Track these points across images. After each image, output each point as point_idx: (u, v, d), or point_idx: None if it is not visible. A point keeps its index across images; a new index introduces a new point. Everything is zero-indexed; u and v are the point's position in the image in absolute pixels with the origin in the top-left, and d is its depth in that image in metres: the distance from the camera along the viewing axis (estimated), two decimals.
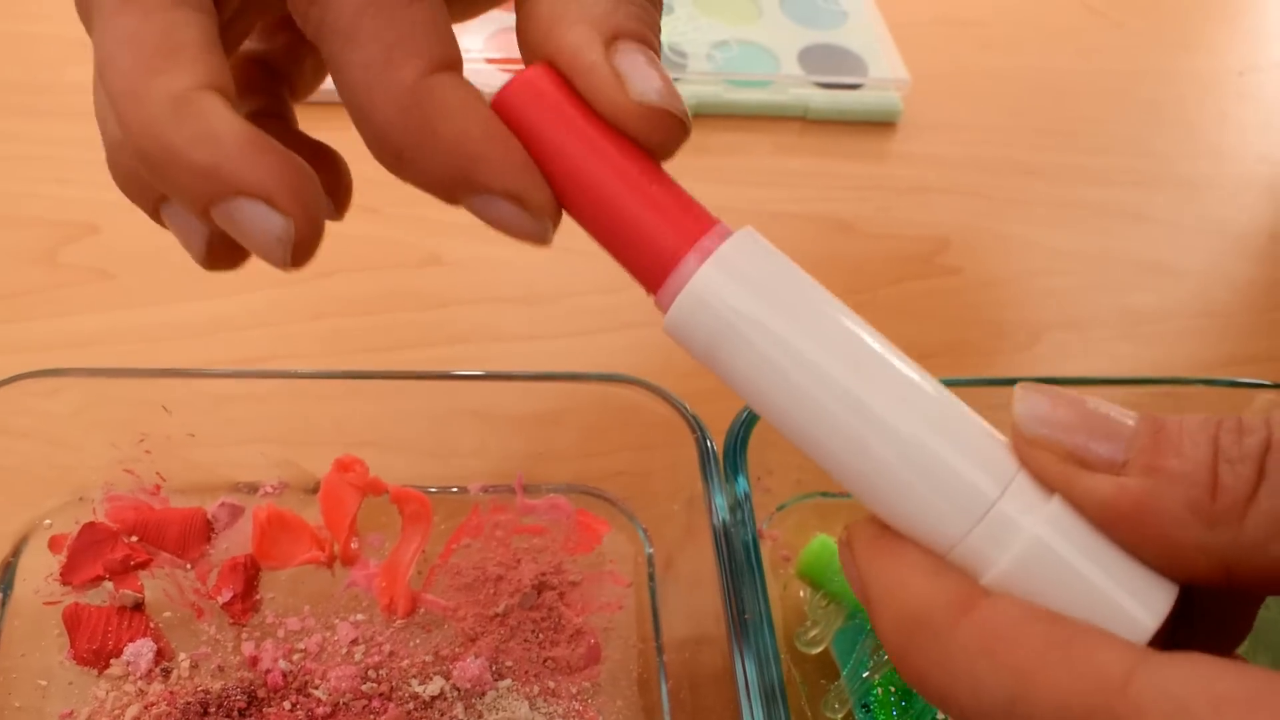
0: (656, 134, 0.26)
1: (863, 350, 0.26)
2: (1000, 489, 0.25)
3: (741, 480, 0.45)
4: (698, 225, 0.27)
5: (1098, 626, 0.23)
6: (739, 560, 0.43)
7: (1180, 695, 0.20)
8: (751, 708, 0.40)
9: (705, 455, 0.45)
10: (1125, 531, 0.23)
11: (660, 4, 0.28)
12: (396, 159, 0.26)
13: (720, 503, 0.44)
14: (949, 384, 0.51)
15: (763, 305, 0.26)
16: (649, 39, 0.26)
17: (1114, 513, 0.23)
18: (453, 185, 0.26)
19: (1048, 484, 0.25)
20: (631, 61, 0.26)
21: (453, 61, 0.26)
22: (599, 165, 0.27)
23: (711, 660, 0.45)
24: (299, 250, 0.25)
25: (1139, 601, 0.24)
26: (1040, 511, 0.25)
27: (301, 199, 0.25)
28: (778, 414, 0.27)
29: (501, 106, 0.27)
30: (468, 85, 0.26)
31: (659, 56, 0.27)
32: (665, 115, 0.26)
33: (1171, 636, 0.25)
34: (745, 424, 0.46)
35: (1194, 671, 0.21)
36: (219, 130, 0.24)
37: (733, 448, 0.45)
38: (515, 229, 0.26)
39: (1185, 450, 0.23)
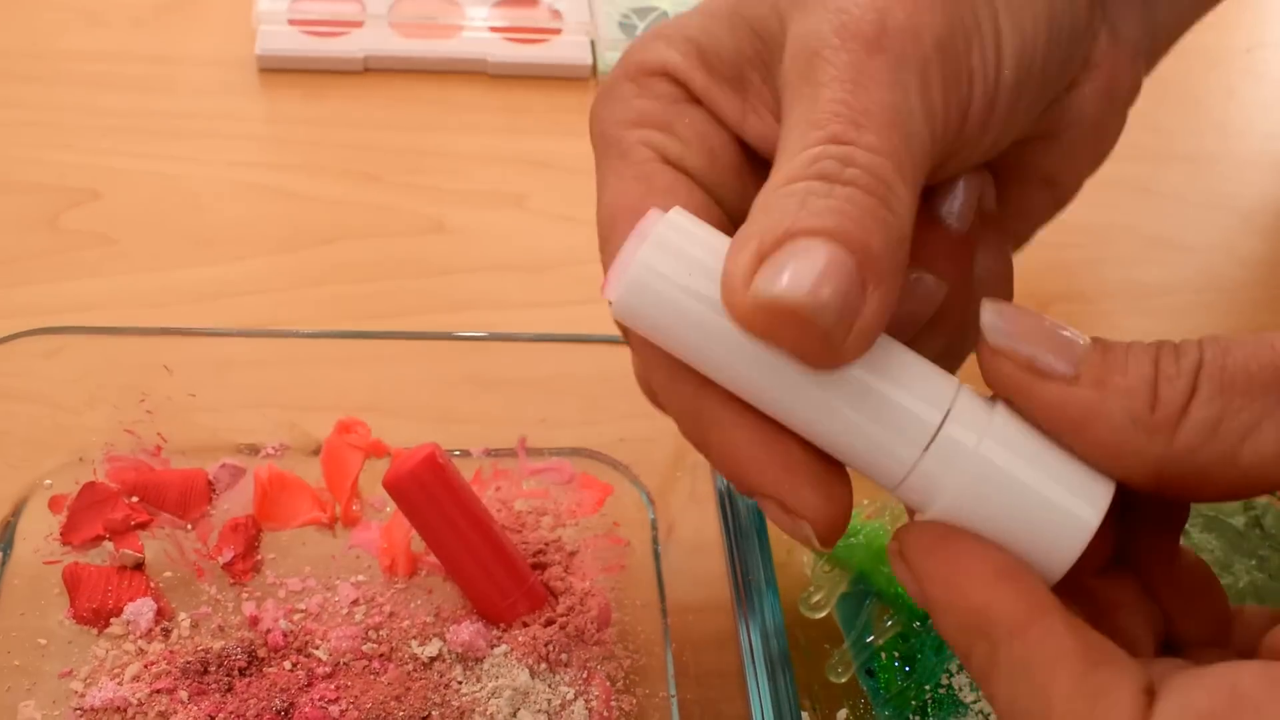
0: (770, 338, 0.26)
1: None
2: (942, 414, 0.27)
3: None
4: (525, 581, 0.42)
5: (1127, 671, 0.24)
6: (742, 524, 0.43)
7: None
8: (755, 672, 0.40)
9: None
10: (1071, 435, 0.26)
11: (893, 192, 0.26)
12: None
13: None
14: None
15: (697, 273, 0.27)
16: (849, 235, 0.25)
17: (1063, 416, 0.25)
18: (733, 480, 0.29)
19: (1006, 390, 0.26)
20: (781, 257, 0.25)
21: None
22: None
23: (716, 624, 0.45)
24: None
25: (1082, 499, 0.26)
26: (985, 428, 0.26)
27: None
28: (720, 372, 0.28)
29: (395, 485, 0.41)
30: (738, 403, 0.28)
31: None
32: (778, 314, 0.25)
33: (1115, 528, 0.28)
34: None
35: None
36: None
37: None
38: (781, 525, 0.29)
39: (1130, 368, 0.25)
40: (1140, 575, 0.30)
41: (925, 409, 0.27)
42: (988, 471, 0.26)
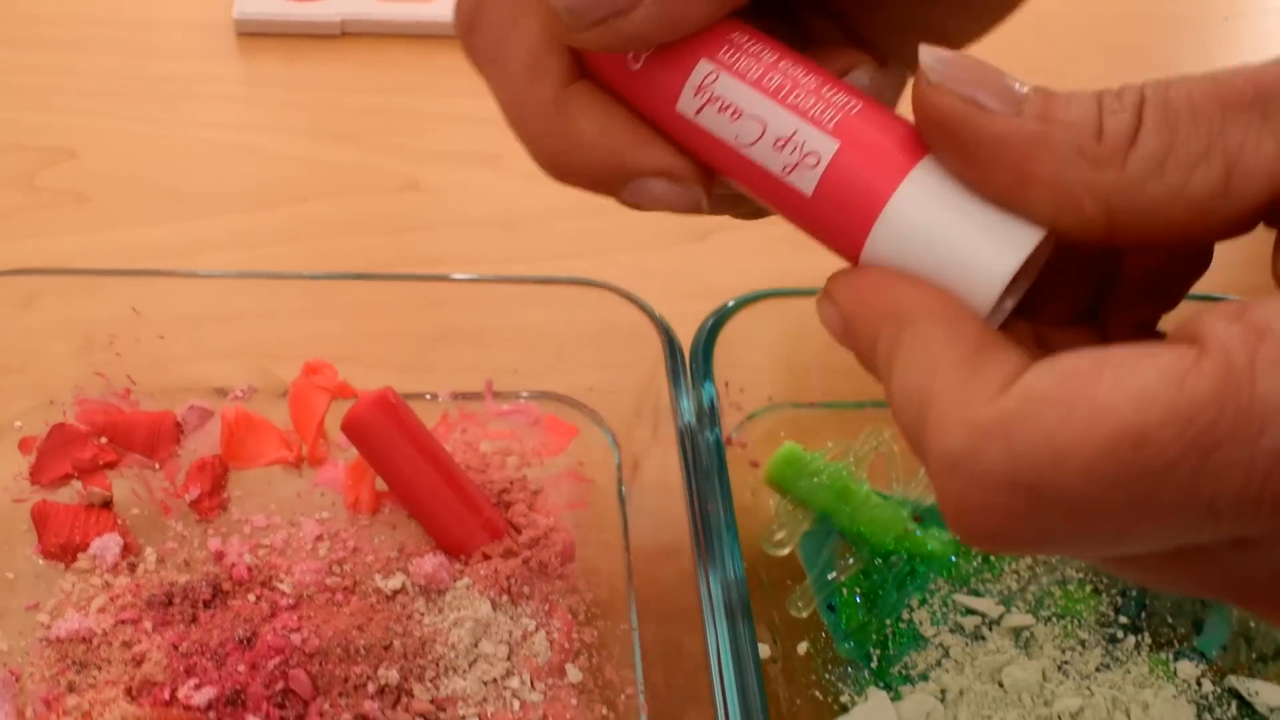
0: None
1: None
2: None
3: (709, 385, 0.45)
4: (482, 513, 0.43)
5: (1014, 351, 0.24)
6: (704, 464, 0.43)
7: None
8: (714, 611, 0.40)
9: (672, 358, 0.45)
10: (1016, 168, 0.25)
11: None
12: (554, 166, 0.29)
13: (686, 405, 0.44)
14: None
15: None
16: None
17: (1006, 150, 0.24)
18: (609, 178, 0.29)
19: (944, 124, 0.25)
20: None
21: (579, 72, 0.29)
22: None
23: (677, 565, 0.45)
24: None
25: (1008, 240, 0.25)
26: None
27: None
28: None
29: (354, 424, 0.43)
30: (598, 91, 0.29)
31: None
32: None
33: (1085, 286, 0.28)
34: (713, 328, 0.46)
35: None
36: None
37: (699, 350, 0.45)
38: (671, 203, 0.29)
39: (1073, 105, 0.24)
40: (1106, 337, 0.30)
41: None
42: (911, 207, 0.26)
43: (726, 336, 0.46)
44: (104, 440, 0.45)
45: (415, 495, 0.43)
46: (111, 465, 0.45)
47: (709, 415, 0.44)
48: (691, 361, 0.45)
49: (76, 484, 0.44)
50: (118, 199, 0.58)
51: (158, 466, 0.45)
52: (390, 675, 0.39)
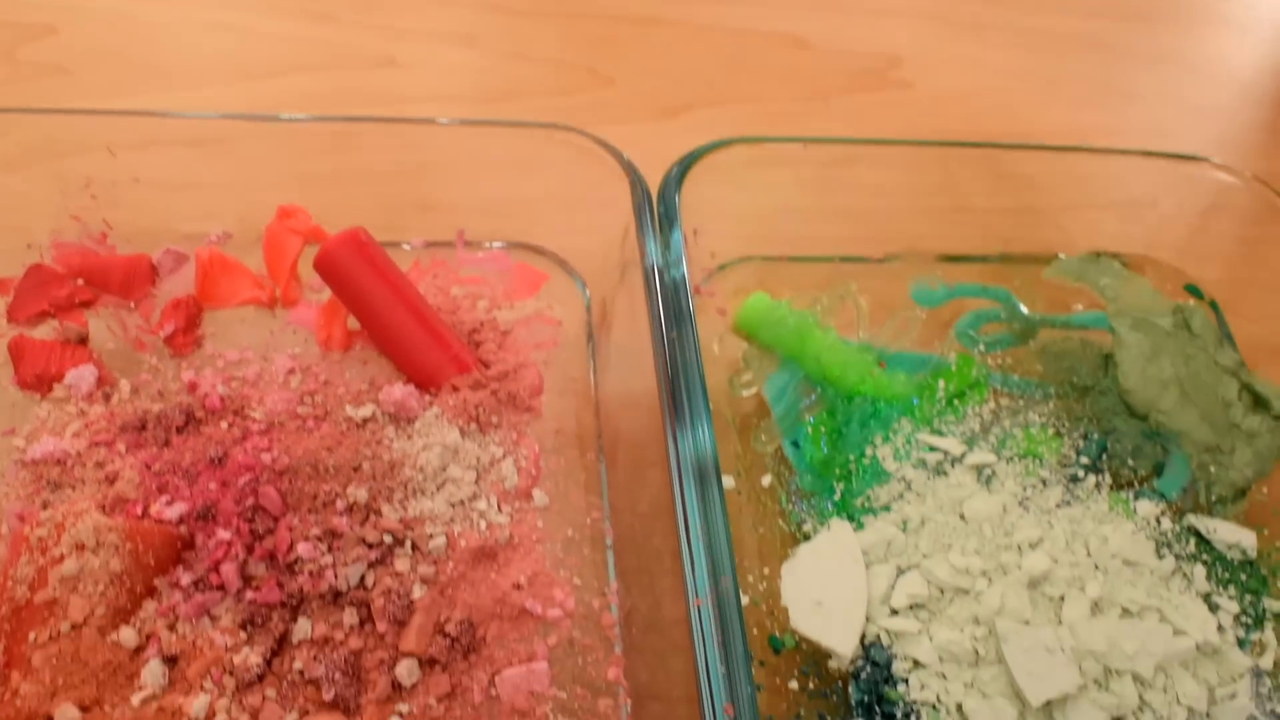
0: None
1: None
2: None
3: (676, 229, 0.45)
4: (450, 348, 0.44)
5: None
6: (670, 299, 0.44)
7: None
8: (679, 450, 0.40)
9: (640, 199, 0.46)
10: None
11: None
12: None
13: (653, 247, 0.45)
14: None
15: None
16: None
17: None
18: None
19: None
20: None
21: None
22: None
23: (646, 401, 0.46)
24: None
25: None
26: None
27: None
28: None
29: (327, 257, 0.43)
30: None
31: None
32: None
33: None
34: (680, 170, 0.46)
35: None
36: None
37: (667, 192, 0.46)
38: None
39: None
40: None
41: None
42: None
43: (698, 188, 0.47)
44: (80, 281, 0.46)
45: (385, 330, 0.44)
46: (88, 304, 0.45)
47: (675, 255, 0.45)
48: (660, 205, 0.46)
49: (53, 322, 0.45)
50: (97, 72, 0.58)
51: (133, 306, 0.46)
52: (359, 494, 0.40)
